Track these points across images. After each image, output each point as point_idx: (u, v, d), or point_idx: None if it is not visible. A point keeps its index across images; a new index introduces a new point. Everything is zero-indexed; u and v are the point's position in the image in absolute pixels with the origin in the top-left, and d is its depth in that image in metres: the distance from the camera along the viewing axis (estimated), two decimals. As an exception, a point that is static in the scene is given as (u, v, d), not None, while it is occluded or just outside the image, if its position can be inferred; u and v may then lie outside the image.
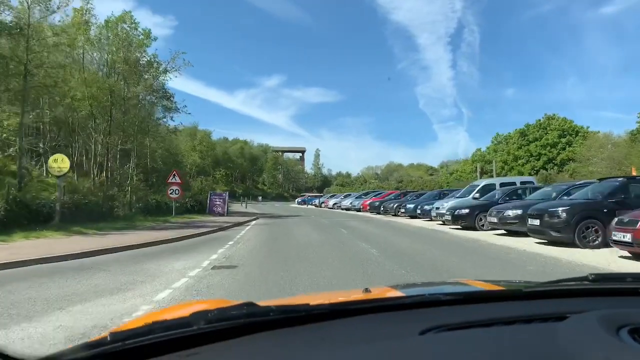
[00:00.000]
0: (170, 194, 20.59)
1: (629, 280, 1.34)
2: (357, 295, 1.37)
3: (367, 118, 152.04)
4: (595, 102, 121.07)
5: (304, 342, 0.94)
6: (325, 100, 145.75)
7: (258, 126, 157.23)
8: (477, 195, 17.55)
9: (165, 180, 21.54)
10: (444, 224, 17.82)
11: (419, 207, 21.59)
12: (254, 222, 21.74)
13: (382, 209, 27.09)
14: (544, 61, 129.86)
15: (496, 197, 15.67)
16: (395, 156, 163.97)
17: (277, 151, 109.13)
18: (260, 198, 78.36)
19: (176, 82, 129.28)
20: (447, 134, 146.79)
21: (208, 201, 25.82)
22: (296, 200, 65.93)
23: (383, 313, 1.10)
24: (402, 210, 24.00)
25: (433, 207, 19.07)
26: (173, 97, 27.62)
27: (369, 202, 31.37)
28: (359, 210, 33.14)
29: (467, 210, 15.45)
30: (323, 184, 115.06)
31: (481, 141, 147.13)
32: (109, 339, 0.86)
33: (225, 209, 25.74)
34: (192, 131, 60.65)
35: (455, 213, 15.68)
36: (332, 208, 41.28)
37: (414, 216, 22.91)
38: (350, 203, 35.16)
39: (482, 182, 18.89)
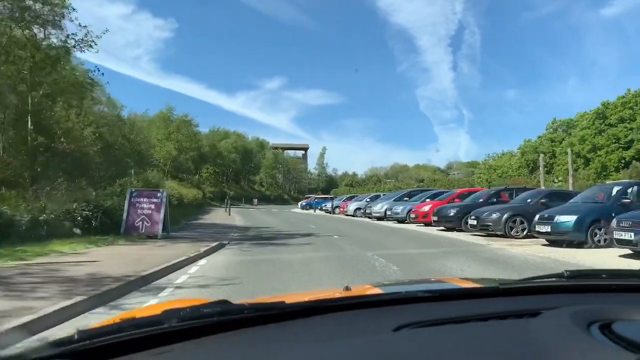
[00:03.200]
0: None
1: (604, 277, 1.39)
2: (336, 293, 1.32)
3: (368, 120, 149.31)
4: (597, 104, 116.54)
5: (277, 339, 0.93)
6: (326, 102, 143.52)
7: (258, 128, 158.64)
8: None
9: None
10: None
11: (627, 224, 8.37)
12: (202, 260, 8.63)
13: (473, 221, 13.81)
14: (545, 63, 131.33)
15: None
16: (397, 158, 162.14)
17: (277, 148, 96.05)
18: (255, 201, 65.05)
19: (177, 85, 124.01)
20: (448, 136, 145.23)
21: (126, 209, 12.59)
22: (299, 203, 52.62)
23: (358, 310, 1.09)
24: (546, 228, 10.73)
25: None
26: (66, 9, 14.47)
27: (426, 208, 18.20)
28: (403, 220, 20.09)
29: None
30: (328, 184, 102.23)
31: (483, 143, 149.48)
32: (76, 337, 0.83)
33: (160, 225, 12.50)
34: (165, 115, 47.33)
35: None
36: (353, 216, 28.14)
37: (580, 243, 9.97)
38: (389, 209, 21.87)
39: None
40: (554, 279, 1.34)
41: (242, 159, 78.58)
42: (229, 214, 30.58)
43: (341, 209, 31.39)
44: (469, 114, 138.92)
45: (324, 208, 35.89)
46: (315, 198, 47.15)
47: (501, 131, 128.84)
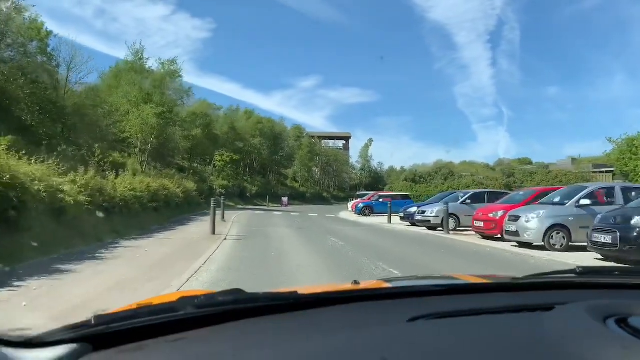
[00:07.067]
0: None
1: (616, 274, 1.38)
2: (346, 286, 1.33)
3: (404, 118, 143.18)
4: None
5: (292, 328, 0.94)
6: (362, 101, 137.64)
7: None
8: None
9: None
10: None
11: None
12: None
13: None
14: (588, 58, 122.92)
15: None
16: (435, 157, 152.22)
17: (314, 137, 78.66)
18: (285, 200, 47.76)
19: (214, 85, 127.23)
20: (487, 134, 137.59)
21: None
22: (350, 204, 34.48)
23: (372, 302, 1.10)
24: None
25: None
26: None
27: None
28: None
29: None
30: (374, 180, 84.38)
31: (523, 141, 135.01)
32: (93, 321, 0.84)
33: None
34: (135, 66, 29.41)
35: None
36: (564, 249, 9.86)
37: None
38: None
39: None
40: (566, 275, 1.32)
41: (271, 147, 61.42)
42: (212, 232, 13.05)
43: (480, 225, 13.00)
44: (509, 112, 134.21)
45: (416, 217, 17.44)
46: (380, 197, 28.98)
47: (542, 129, 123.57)
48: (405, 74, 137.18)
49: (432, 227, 16.38)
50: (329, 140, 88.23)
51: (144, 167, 29.28)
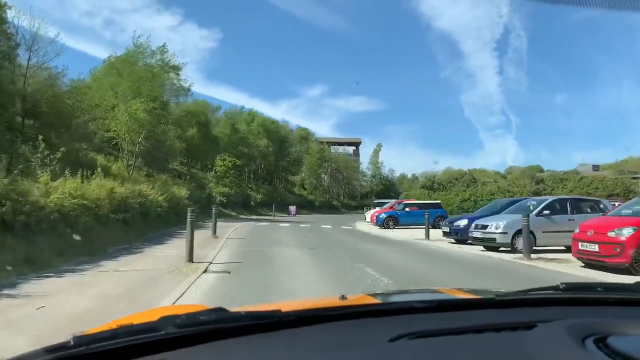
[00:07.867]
0: None
1: (599, 290, 1.36)
2: (332, 302, 1.30)
3: (411, 126, 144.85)
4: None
5: (274, 348, 0.92)
6: (368, 109, 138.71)
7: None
8: None
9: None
10: None
11: None
12: None
13: None
14: (597, 65, 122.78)
15: None
16: (442, 164, 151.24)
17: (323, 142, 74.30)
18: (293, 209, 43.48)
19: (221, 94, 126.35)
20: (494, 143, 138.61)
21: None
22: (369, 213, 29.93)
23: (354, 320, 1.08)
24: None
25: None
26: None
27: None
28: None
29: None
30: (385, 188, 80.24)
31: (531, 149, 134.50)
32: (72, 342, 0.81)
33: None
34: (129, 59, 25.21)
35: None
36: None
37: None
38: None
39: None
40: (550, 292, 1.30)
41: (277, 151, 57.15)
42: (190, 259, 8.70)
43: (592, 249, 8.52)
44: (517, 119, 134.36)
45: (473, 234, 12.77)
46: (406, 206, 24.39)
47: (550, 136, 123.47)
48: (412, 82, 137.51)
49: (494, 248, 11.96)
50: (338, 147, 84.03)
51: (131, 172, 25.24)
